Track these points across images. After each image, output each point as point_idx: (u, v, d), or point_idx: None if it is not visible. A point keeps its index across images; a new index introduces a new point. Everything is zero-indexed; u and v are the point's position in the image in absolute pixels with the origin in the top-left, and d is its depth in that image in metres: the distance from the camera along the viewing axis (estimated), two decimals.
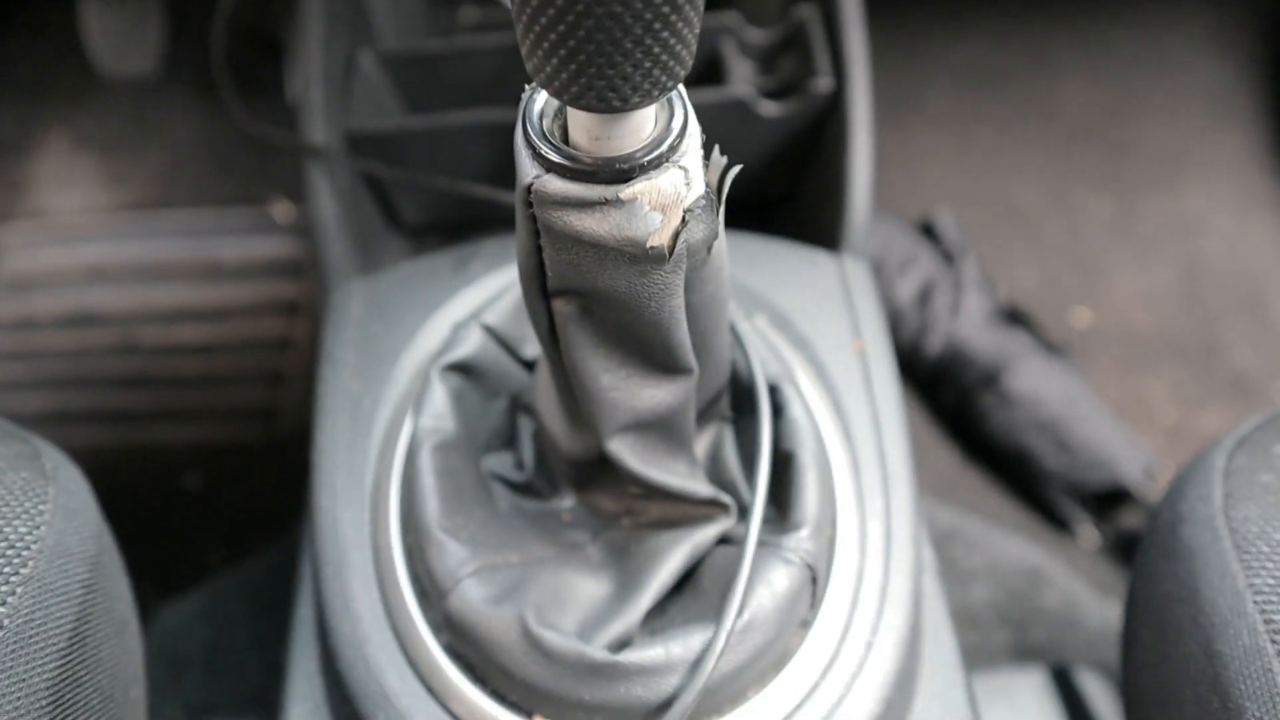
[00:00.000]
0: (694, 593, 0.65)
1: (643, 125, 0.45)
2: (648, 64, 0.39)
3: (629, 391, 0.57)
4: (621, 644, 0.61)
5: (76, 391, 1.69)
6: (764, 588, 0.62)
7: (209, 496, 1.60)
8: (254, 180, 1.88)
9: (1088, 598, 1.39)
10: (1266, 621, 0.60)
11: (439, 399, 0.70)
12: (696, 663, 0.59)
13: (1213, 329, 1.69)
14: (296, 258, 1.79)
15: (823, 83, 0.97)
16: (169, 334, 1.73)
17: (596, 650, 0.59)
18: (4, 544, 0.61)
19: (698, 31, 0.40)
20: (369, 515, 0.73)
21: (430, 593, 0.66)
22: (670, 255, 0.47)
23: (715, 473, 0.69)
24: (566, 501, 0.70)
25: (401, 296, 0.84)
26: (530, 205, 0.47)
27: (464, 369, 0.72)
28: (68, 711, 0.61)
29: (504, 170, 0.92)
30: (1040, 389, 1.49)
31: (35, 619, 0.59)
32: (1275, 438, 0.70)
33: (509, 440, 0.73)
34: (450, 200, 1.06)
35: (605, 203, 0.45)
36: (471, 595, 0.62)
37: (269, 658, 1.31)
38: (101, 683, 0.65)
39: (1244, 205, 1.81)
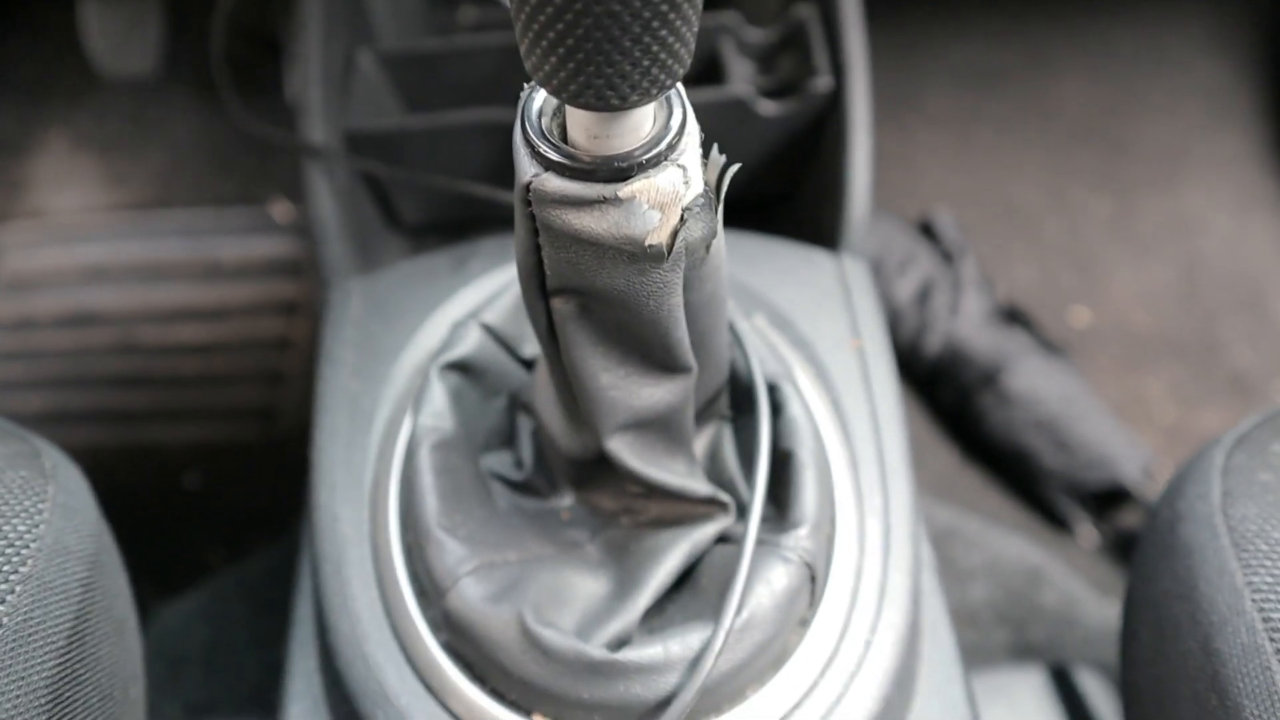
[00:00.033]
0: (693, 591, 0.65)
1: (641, 124, 0.45)
2: (646, 62, 0.39)
3: (628, 390, 0.57)
4: (620, 642, 0.61)
5: (76, 391, 1.69)
6: (763, 586, 0.62)
7: (208, 496, 1.60)
8: (253, 180, 1.88)
9: (1087, 597, 1.39)
10: (1265, 619, 0.60)
11: (438, 398, 0.70)
12: (695, 661, 0.60)
13: (1212, 328, 1.69)
14: (296, 257, 1.79)
15: (822, 82, 0.98)
16: (168, 333, 1.73)
17: (595, 648, 0.59)
18: (3, 542, 0.61)
19: (696, 30, 0.40)
20: (368, 514, 0.73)
21: (429, 591, 0.66)
22: (669, 254, 0.48)
23: (714, 471, 0.69)
24: (565, 500, 0.70)
25: (400, 295, 0.84)
26: (529, 204, 0.47)
27: (463, 368, 0.72)
28: (67, 710, 0.61)
29: (503, 169, 0.92)
30: (1039, 388, 1.49)
31: (34, 617, 0.59)
32: (1274, 436, 0.71)
33: (508, 439, 0.73)
34: (449, 199, 1.06)
35: (604, 201, 0.45)
36: (470, 593, 0.62)
37: (268, 657, 1.31)
38: (100, 681, 0.66)
39: (1243, 204, 1.81)
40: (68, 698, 0.61)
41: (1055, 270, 1.75)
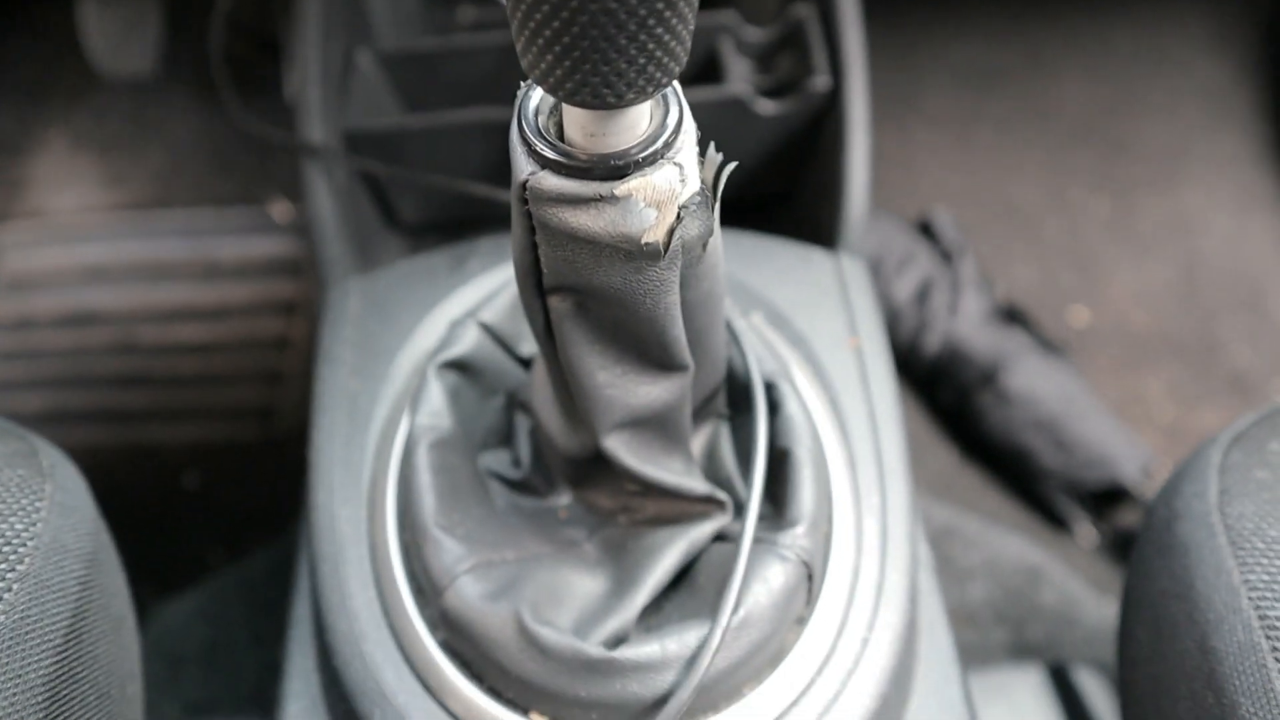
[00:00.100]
0: (690, 589, 0.65)
1: (638, 122, 0.45)
2: (642, 60, 0.39)
3: (624, 388, 0.57)
4: (617, 640, 0.61)
5: (75, 391, 1.69)
6: (760, 584, 0.62)
7: (207, 495, 1.60)
8: (253, 180, 1.88)
9: (1085, 596, 1.39)
10: (1261, 617, 0.60)
11: (436, 396, 0.70)
12: (692, 659, 0.60)
13: (1211, 328, 1.69)
14: (295, 257, 1.79)
15: (820, 81, 0.98)
16: (168, 333, 1.73)
17: (592, 647, 0.59)
18: (0, 541, 0.61)
19: (692, 28, 0.40)
20: (366, 512, 0.73)
21: (427, 590, 0.66)
22: (665, 252, 0.48)
23: (711, 470, 0.69)
24: (563, 499, 0.70)
25: (399, 295, 0.84)
26: (525, 202, 0.47)
27: (461, 366, 0.72)
28: (64, 707, 0.61)
29: (502, 169, 0.92)
30: (1038, 387, 1.49)
31: (31, 615, 0.59)
32: (1271, 434, 0.71)
33: (506, 438, 0.73)
34: (448, 199, 1.06)
35: (600, 199, 0.45)
36: (468, 592, 0.62)
37: (267, 656, 1.31)
38: (98, 679, 0.66)
39: (1242, 204, 1.81)
40: (65, 695, 0.62)
41: (1054, 270, 1.75)
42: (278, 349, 1.71)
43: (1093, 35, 1.97)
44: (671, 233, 0.47)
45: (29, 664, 0.59)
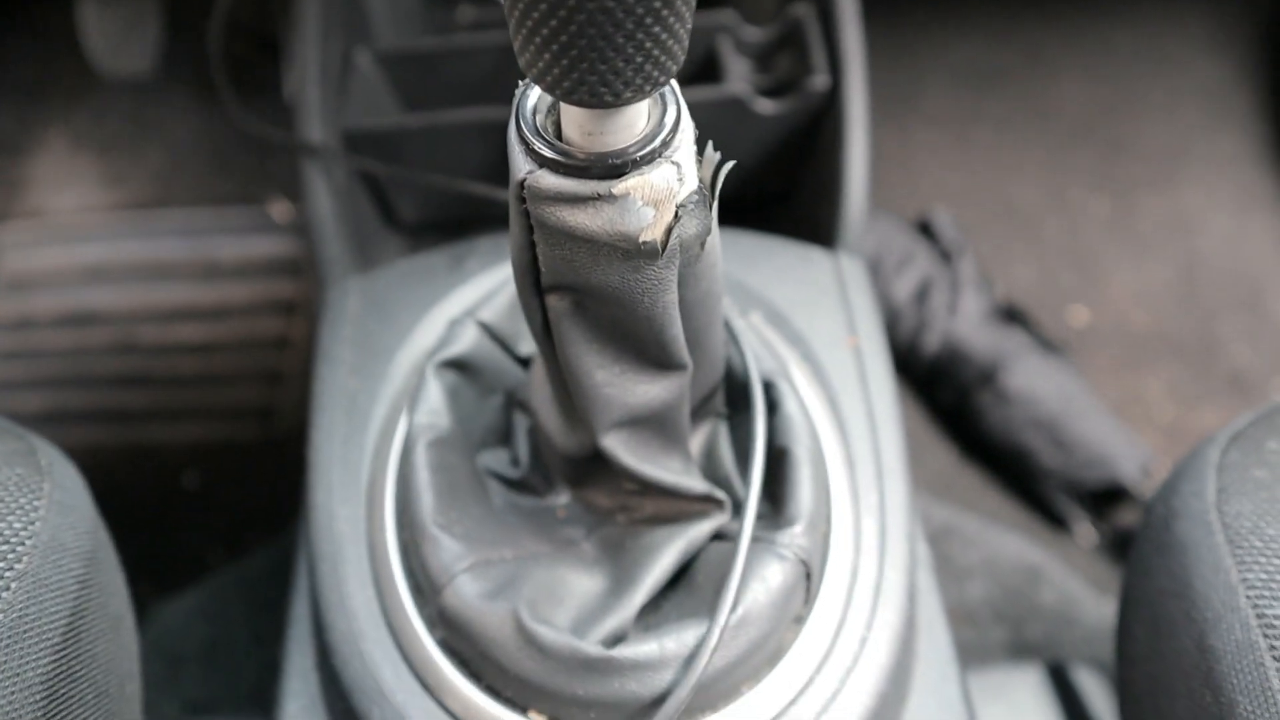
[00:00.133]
0: (688, 588, 0.65)
1: (635, 120, 0.45)
2: (639, 59, 0.39)
3: (623, 387, 0.57)
4: (616, 639, 0.61)
5: (75, 391, 1.69)
6: (758, 583, 0.62)
7: (207, 495, 1.60)
8: (252, 180, 1.88)
9: (1084, 595, 1.39)
10: (1259, 616, 0.60)
11: (434, 395, 0.70)
12: (690, 658, 0.60)
13: (1210, 327, 1.69)
14: (295, 257, 1.79)
15: (819, 80, 0.98)
16: (167, 333, 1.73)
17: (590, 645, 0.59)
18: None
19: (689, 27, 0.40)
20: (364, 511, 0.73)
21: (425, 588, 0.66)
22: (663, 250, 0.48)
23: (710, 469, 0.69)
24: (561, 498, 0.70)
25: (397, 294, 0.84)
26: (523, 201, 0.47)
27: (459, 366, 0.72)
28: (62, 706, 0.61)
29: (501, 168, 0.92)
30: (1038, 387, 1.49)
31: (30, 614, 0.60)
32: (1269, 433, 0.71)
33: (504, 437, 0.73)
34: (447, 198, 1.06)
35: (598, 198, 0.45)
36: (466, 591, 0.62)
37: (267, 655, 1.31)
38: (96, 678, 0.66)
39: (1242, 204, 1.81)
40: (63, 694, 0.62)
41: (1054, 269, 1.75)
42: (278, 349, 1.71)
43: (1093, 35, 1.97)
44: (669, 231, 0.47)
45: (27, 662, 0.59)
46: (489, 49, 1.04)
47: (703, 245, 0.51)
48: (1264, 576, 0.61)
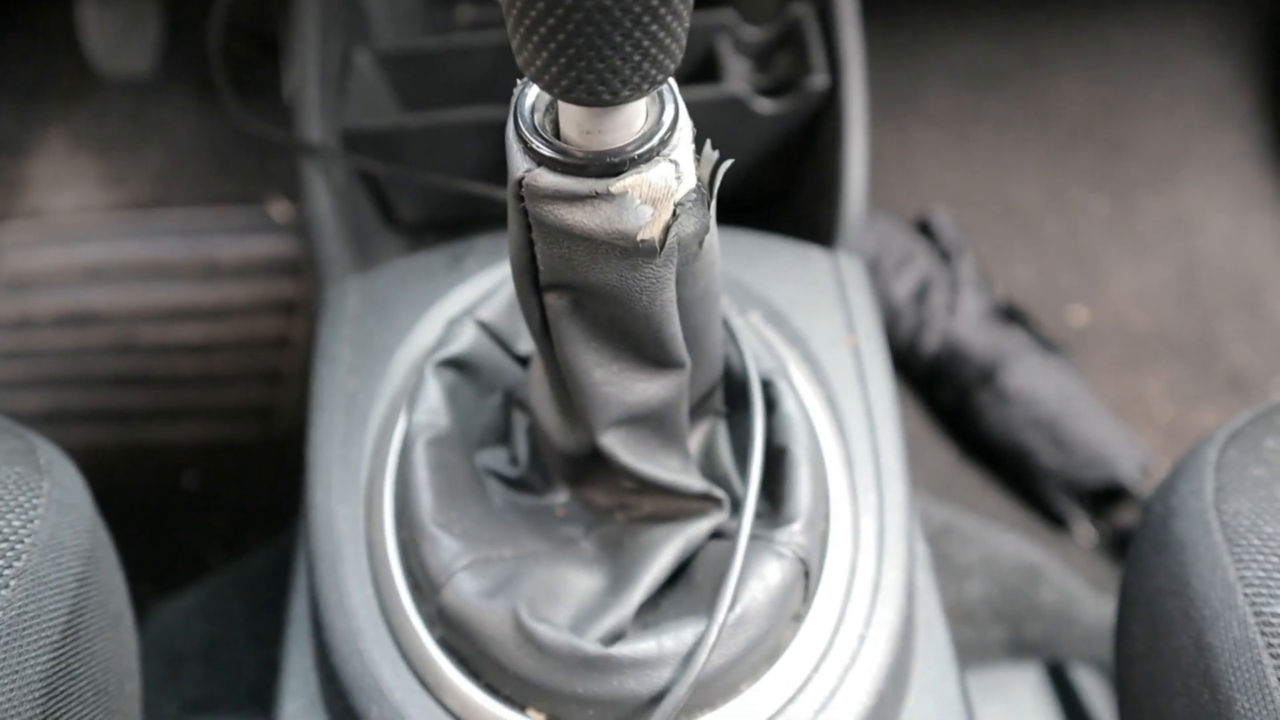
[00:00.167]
0: (687, 586, 0.65)
1: (633, 119, 0.45)
2: (637, 57, 0.39)
3: (621, 386, 0.57)
4: (614, 637, 0.61)
5: (75, 390, 1.69)
6: (757, 581, 0.62)
7: (207, 495, 1.60)
8: (252, 179, 1.88)
9: (1083, 594, 1.39)
10: (1257, 614, 0.60)
11: (433, 394, 0.70)
12: (689, 656, 0.60)
13: (1210, 327, 1.69)
14: (294, 257, 1.79)
15: (818, 80, 0.98)
16: (167, 333, 1.73)
17: (589, 644, 0.59)
18: None
19: (687, 25, 0.40)
20: (363, 510, 0.73)
21: (424, 587, 0.66)
22: (661, 249, 0.48)
23: (708, 467, 0.69)
24: (560, 496, 0.70)
25: (396, 293, 0.84)
26: (522, 199, 0.47)
27: (458, 364, 0.72)
28: (61, 704, 0.61)
29: (500, 167, 0.92)
30: (1037, 387, 1.50)
31: (28, 612, 0.60)
32: (1267, 432, 0.71)
33: (503, 436, 0.73)
34: (446, 197, 1.06)
35: (596, 196, 0.45)
36: (465, 589, 0.62)
37: (266, 654, 1.31)
38: (95, 676, 0.66)
39: (1242, 204, 1.81)
40: (62, 692, 0.62)
41: (1054, 269, 1.75)
42: (277, 349, 1.71)
43: (1093, 35, 1.97)
44: (667, 230, 0.47)
45: (26, 660, 0.59)
46: (488, 49, 1.04)
47: (701, 244, 0.51)
48: (1261, 574, 0.62)
